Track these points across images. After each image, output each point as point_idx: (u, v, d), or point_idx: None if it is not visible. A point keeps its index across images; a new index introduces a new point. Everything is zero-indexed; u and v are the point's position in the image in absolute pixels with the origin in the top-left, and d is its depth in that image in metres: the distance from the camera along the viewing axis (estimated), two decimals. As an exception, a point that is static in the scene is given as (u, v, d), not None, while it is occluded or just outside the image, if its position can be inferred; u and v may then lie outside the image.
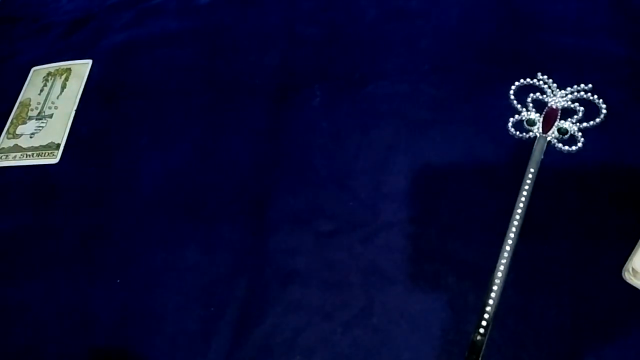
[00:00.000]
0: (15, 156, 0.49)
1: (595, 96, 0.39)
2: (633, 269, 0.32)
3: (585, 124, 0.39)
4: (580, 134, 0.38)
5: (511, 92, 0.41)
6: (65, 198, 0.45)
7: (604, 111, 0.39)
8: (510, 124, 0.40)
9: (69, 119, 0.50)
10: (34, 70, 0.55)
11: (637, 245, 0.33)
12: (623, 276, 0.33)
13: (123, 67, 0.53)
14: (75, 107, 0.51)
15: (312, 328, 0.36)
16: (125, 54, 0.54)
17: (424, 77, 0.44)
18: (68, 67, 0.55)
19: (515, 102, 0.41)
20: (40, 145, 0.49)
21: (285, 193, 0.41)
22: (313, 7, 0.52)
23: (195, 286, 0.39)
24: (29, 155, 0.49)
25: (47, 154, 0.48)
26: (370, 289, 0.36)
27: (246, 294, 0.38)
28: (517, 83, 0.41)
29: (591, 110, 0.39)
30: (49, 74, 0.54)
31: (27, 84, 0.54)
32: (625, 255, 0.33)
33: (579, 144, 0.38)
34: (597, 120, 0.39)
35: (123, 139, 0.48)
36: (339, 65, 0.47)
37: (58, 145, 0.49)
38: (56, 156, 0.48)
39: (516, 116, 0.40)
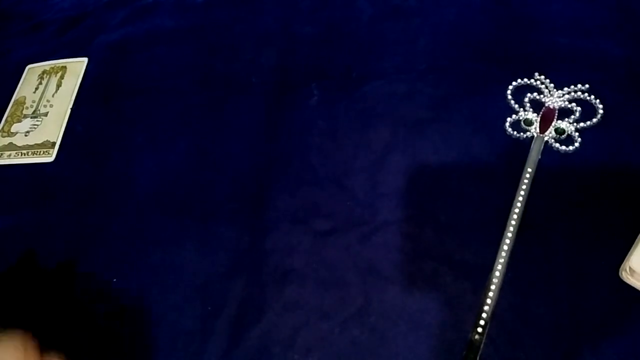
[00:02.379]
0: (10, 154, 0.49)
1: (592, 96, 0.39)
2: (630, 268, 0.32)
3: (582, 124, 0.39)
4: (577, 134, 0.39)
5: (508, 92, 0.41)
6: (61, 197, 0.45)
7: (601, 111, 0.39)
8: (507, 124, 0.40)
9: (64, 117, 0.50)
10: (29, 68, 0.55)
11: (634, 245, 0.33)
12: (620, 275, 0.33)
13: (118, 66, 0.52)
14: (70, 106, 0.51)
15: (310, 327, 0.35)
16: (120, 52, 0.53)
17: (421, 77, 0.44)
18: (63, 65, 0.54)
19: (512, 102, 0.41)
20: (36, 144, 0.49)
21: (282, 192, 0.41)
22: (310, 5, 0.52)
23: (192, 285, 0.39)
24: (24, 154, 0.48)
25: (42, 153, 0.48)
26: (368, 288, 0.36)
27: (243, 293, 0.38)
28: (514, 83, 0.42)
29: (588, 110, 0.39)
30: (44, 72, 0.54)
31: (22, 82, 0.54)
32: (622, 255, 0.33)
33: (576, 144, 0.38)
34: (594, 120, 0.39)
35: (119, 138, 0.47)
36: (336, 64, 0.47)
37: (53, 144, 0.48)
38: (51, 155, 0.48)
39: (513, 116, 0.40)
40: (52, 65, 0.54)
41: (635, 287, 0.32)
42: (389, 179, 0.40)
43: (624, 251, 0.33)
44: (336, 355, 0.34)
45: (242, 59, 0.50)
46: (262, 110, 0.46)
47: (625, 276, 0.33)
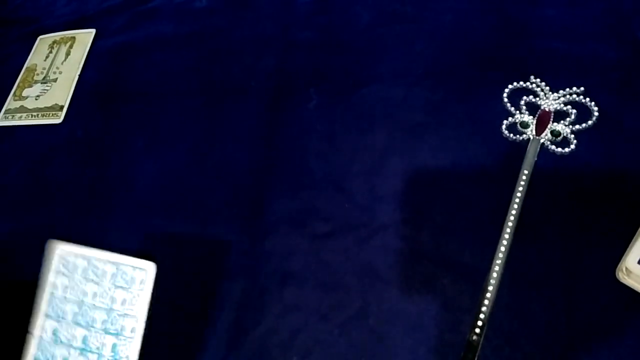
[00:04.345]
0: (21, 116, 0.51)
1: (587, 99, 0.40)
2: (626, 268, 0.32)
3: (577, 126, 0.39)
4: (572, 136, 0.39)
5: (505, 95, 0.42)
6: (62, 200, 0.45)
7: (596, 114, 0.39)
8: (504, 127, 0.40)
9: (72, 83, 0.52)
10: (40, 39, 0.57)
11: (629, 245, 0.33)
12: (616, 276, 0.33)
13: (118, 71, 0.53)
14: (78, 72, 0.53)
15: (309, 329, 0.36)
16: (120, 57, 0.54)
17: (419, 81, 0.45)
18: (72, 35, 0.57)
19: (508, 105, 0.41)
20: (45, 107, 0.51)
21: (281, 195, 0.41)
22: (308, 11, 0.52)
23: (190, 288, 0.39)
24: (34, 116, 0.51)
25: (51, 115, 0.50)
26: (366, 290, 0.36)
27: (242, 295, 0.38)
28: (510, 86, 0.42)
29: (583, 113, 0.40)
30: (54, 42, 0.57)
31: (34, 51, 0.57)
32: (618, 255, 0.34)
33: (572, 146, 0.38)
34: (589, 122, 0.39)
35: (119, 142, 0.48)
36: (334, 69, 0.47)
37: (61, 107, 0.51)
38: (60, 117, 0.50)
39: (510, 119, 0.41)
40: (62, 36, 0.57)
41: (632, 287, 0.33)
42: (387, 182, 0.40)
43: (620, 252, 0.34)
44: (335, 357, 0.35)
45: (241, 64, 0.50)
46: (261, 114, 0.46)
47: (622, 276, 0.33)
